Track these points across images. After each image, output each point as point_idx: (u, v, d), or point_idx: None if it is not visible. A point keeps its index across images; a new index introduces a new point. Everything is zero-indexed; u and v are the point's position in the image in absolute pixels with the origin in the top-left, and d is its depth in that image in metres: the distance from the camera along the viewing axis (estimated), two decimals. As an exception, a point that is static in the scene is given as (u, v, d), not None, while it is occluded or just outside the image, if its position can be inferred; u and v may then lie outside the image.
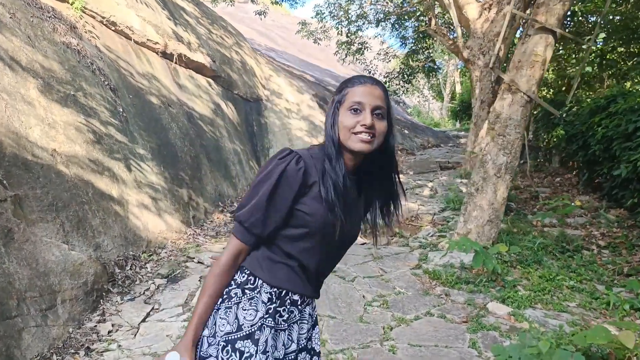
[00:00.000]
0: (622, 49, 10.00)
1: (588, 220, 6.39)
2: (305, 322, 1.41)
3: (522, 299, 3.79)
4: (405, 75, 16.60)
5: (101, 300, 3.46)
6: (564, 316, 3.62)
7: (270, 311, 1.30)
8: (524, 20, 5.15)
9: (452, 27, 15.67)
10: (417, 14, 15.71)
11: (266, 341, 1.28)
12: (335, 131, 1.32)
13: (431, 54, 16.94)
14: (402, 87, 17.04)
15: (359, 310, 3.63)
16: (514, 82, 4.57)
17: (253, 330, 1.28)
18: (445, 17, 15.91)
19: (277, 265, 1.33)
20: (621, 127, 5.67)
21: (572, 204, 5.89)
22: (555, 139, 7.76)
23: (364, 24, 16.58)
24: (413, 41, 16.44)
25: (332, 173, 1.29)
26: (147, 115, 6.01)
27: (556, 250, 5.25)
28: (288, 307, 1.35)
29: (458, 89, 27.53)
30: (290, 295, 1.34)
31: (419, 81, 22.06)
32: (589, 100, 8.44)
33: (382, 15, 16.47)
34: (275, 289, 1.32)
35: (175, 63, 7.75)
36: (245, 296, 1.31)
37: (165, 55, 7.61)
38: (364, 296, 3.93)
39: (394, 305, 3.74)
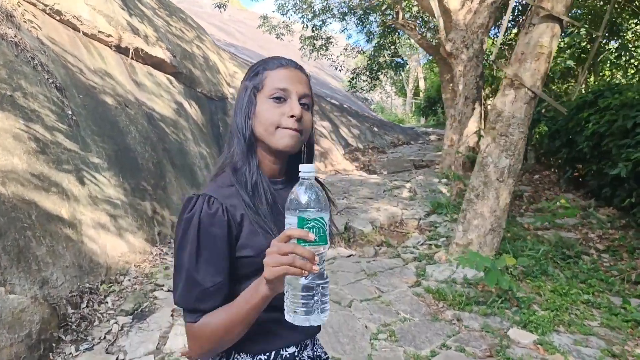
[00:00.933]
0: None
1: (579, 220, 6.13)
2: None
3: (543, 322, 3.38)
4: (372, 71, 16.22)
5: (50, 355, 2.77)
6: (593, 341, 3.23)
7: None
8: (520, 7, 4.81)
9: (424, 19, 15.43)
10: (383, 8, 15.33)
11: None
12: (248, 125, 1.07)
13: (397, 50, 16.63)
14: (369, 83, 16.67)
15: (364, 346, 3.10)
16: (518, 77, 4.15)
17: None
18: (413, 10, 15.64)
19: (255, 326, 1.02)
20: (617, 124, 5.40)
21: (559, 203, 5.57)
22: (537, 136, 7.53)
23: (329, 17, 16.07)
24: (379, 36, 16.07)
25: (249, 177, 1.05)
26: (101, 117, 5.25)
27: (557, 257, 4.91)
28: None
29: (422, 85, 27.53)
30: (280, 354, 1.09)
31: (381, 77, 21.77)
32: (571, 94, 8.28)
33: (346, 9, 16.01)
34: (260, 356, 1.07)
35: (132, 58, 6.96)
36: None
37: (120, 50, 6.82)
38: (366, 326, 3.41)
39: (402, 337, 3.24)
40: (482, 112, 6.96)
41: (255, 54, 21.85)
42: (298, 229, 0.85)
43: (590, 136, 6.23)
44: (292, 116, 1.04)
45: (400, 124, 20.83)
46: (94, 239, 3.92)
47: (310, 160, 1.17)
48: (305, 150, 1.16)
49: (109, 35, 6.50)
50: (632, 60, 8.35)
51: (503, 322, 3.45)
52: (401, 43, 19.57)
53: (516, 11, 8.30)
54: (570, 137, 7.07)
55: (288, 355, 1.10)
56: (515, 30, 10.76)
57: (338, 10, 16.01)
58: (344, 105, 16.87)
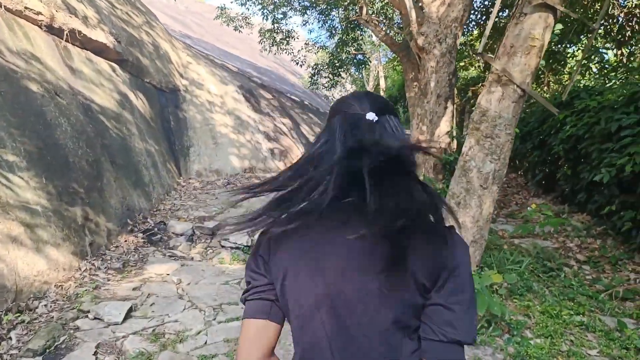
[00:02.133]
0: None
1: (555, 227, 5.82)
2: None
3: (541, 354, 2.92)
4: (334, 68, 15.70)
5: None
6: (598, 375, 2.80)
7: None
8: None
9: (387, 16, 15.06)
10: (346, 2, 14.84)
11: None
12: None
13: (361, 46, 16.20)
14: (330, 79, 16.14)
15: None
16: (507, 72, 3.70)
17: None
18: (376, 6, 15.25)
19: None
20: (599, 127, 5.09)
21: (529, 209, 5.21)
22: (507, 138, 7.24)
23: (289, 10, 15.42)
24: (341, 32, 15.57)
25: None
26: (23, 107, 4.43)
27: (538, 270, 4.54)
28: None
29: (382, 84, 27.32)
30: None
31: (343, 75, 21.32)
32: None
33: (308, 3, 15.42)
34: None
35: (67, 41, 6.10)
36: None
37: (52, 31, 5.94)
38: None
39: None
40: (454, 111, 6.56)
41: (213, 46, 20.88)
42: None
43: (566, 139, 5.93)
44: None
45: (362, 123, 20.39)
46: (1, 256, 3.16)
47: None
48: None
49: (39, 13, 5.62)
50: (603, 63, 8.25)
51: (496, 354, 2.98)
52: (364, 40, 19.18)
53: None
54: (543, 139, 6.79)
55: None
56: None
57: (299, 3, 15.41)
58: (305, 102, 16.29)
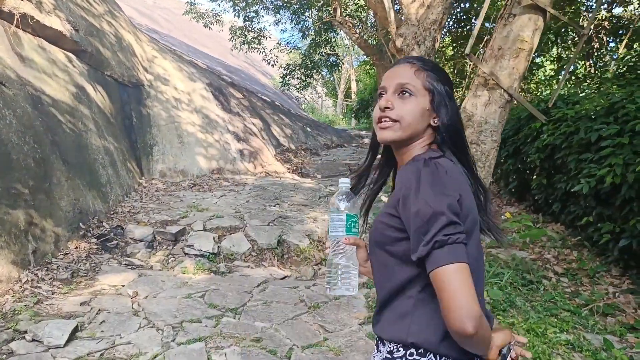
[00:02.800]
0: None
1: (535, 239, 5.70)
2: None
3: (532, 378, 2.70)
4: (307, 69, 15.43)
5: None
6: (592, 403, 2.60)
7: None
8: None
9: (361, 18, 14.88)
10: (320, 3, 14.60)
11: None
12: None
13: (334, 48, 16.00)
14: (302, 80, 15.86)
15: None
16: (494, 76, 3.50)
17: None
18: (350, 8, 15.07)
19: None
20: (577, 136, 4.98)
21: (504, 217, 5.06)
22: (482, 145, 7.14)
23: (262, 8, 15.05)
24: (314, 33, 15.31)
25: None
26: (-40, 96, 3.94)
27: (518, 283, 4.36)
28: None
29: (354, 87, 27.24)
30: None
31: (315, 76, 21.08)
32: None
33: (281, 2, 15.09)
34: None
35: (17, 27, 5.58)
36: None
37: (1, 15, 5.42)
38: (312, 392, 2.55)
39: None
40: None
41: (181, 43, 20.24)
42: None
43: (542, 148, 5.83)
44: (380, 108, 1.09)
45: (331, 126, 20.26)
46: None
47: (454, 142, 1.13)
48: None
49: (-15, -6, 5.11)
50: (574, 73, 8.28)
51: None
52: (337, 42, 18.98)
53: None
54: (518, 147, 6.69)
55: None
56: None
57: (272, 2, 15.06)
58: (276, 103, 15.94)
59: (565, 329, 3.51)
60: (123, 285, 3.88)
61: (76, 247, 4.41)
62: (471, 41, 3.56)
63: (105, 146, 6.46)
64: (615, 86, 5.75)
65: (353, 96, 26.96)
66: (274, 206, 6.98)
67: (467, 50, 3.56)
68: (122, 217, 5.65)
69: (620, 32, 7.17)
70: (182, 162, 8.60)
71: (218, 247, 5.12)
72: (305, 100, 29.94)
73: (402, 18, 6.25)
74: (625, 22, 6.94)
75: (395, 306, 1.05)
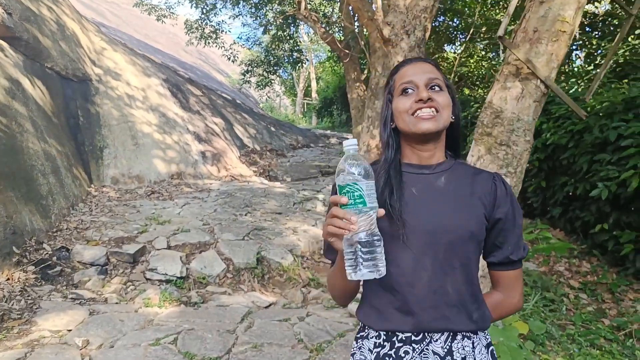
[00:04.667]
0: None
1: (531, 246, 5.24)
2: None
3: None
4: (269, 65, 14.62)
5: None
6: None
7: (376, 358, 1.12)
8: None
9: (325, 14, 14.22)
10: (282, -4, 13.83)
11: None
12: (387, 126, 1.21)
13: (298, 44, 15.26)
14: (265, 77, 15.04)
15: None
16: (531, 63, 2.92)
17: None
18: (315, 2, 14.41)
19: (375, 301, 1.15)
20: (591, 135, 4.53)
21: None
22: (470, 145, 6.65)
23: (219, 1, 14.11)
24: (276, 27, 14.51)
25: (381, 168, 1.18)
26: None
27: (539, 303, 3.84)
28: (400, 349, 1.10)
29: (314, 85, 26.60)
30: (397, 335, 1.11)
31: (276, 73, 20.23)
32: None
33: (240, -6, 14.21)
34: (379, 331, 1.14)
35: None
36: (357, 345, 1.20)
37: None
38: None
39: None
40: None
41: (131, 37, 18.90)
42: (333, 196, 1.03)
43: (542, 148, 5.38)
44: (420, 100, 1.12)
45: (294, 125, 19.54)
46: None
47: (456, 140, 1.25)
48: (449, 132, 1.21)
49: None
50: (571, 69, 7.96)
51: None
52: (300, 39, 18.27)
53: None
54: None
55: (404, 338, 1.11)
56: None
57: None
58: (237, 101, 15.04)
59: (613, 363, 2.99)
60: (69, 330, 3.03)
61: (8, 279, 3.49)
62: (505, 20, 2.96)
63: (46, 150, 5.48)
64: (612, 84, 5.38)
65: (313, 94, 26.32)
66: (246, 215, 6.21)
67: (501, 32, 2.97)
68: (67, 235, 4.72)
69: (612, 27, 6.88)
70: (137, 166, 7.64)
71: (187, 269, 4.31)
72: (263, 100, 29.05)
73: (389, 6, 5.66)
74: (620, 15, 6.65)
75: (479, 296, 1.14)
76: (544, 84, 3.01)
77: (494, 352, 1.16)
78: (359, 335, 1.20)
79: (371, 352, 1.13)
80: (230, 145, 10.15)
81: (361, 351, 1.16)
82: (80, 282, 3.88)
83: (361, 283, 1.15)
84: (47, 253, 4.12)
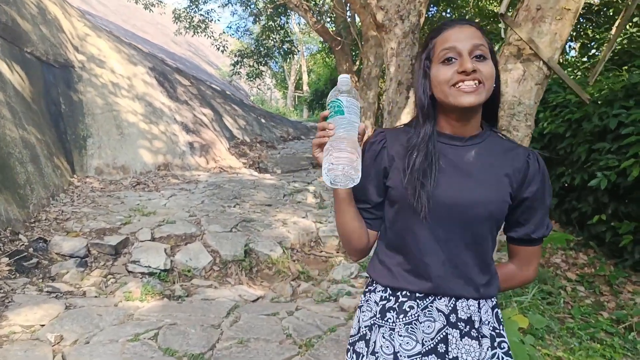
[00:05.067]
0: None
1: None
2: (432, 320, 1.11)
3: None
4: (260, 56, 14.37)
5: None
6: None
7: (380, 310, 1.16)
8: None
9: (317, 2, 13.98)
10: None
11: (375, 342, 1.14)
12: (426, 95, 1.13)
13: (289, 34, 15.01)
14: (255, 69, 14.78)
15: None
16: (534, 43, 2.77)
17: (365, 331, 1.18)
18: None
19: (386, 259, 1.18)
20: (588, 123, 4.41)
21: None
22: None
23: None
24: (267, 17, 14.24)
25: (414, 138, 1.14)
26: None
27: (536, 295, 3.72)
28: (404, 303, 1.13)
29: (305, 78, 26.35)
30: (402, 291, 1.15)
31: (267, 64, 19.93)
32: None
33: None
34: (386, 287, 1.17)
35: None
36: (364, 298, 1.23)
37: None
38: None
39: None
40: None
41: (118, 27, 18.52)
42: (322, 113, 1.07)
43: (539, 137, 5.26)
44: (463, 71, 1.05)
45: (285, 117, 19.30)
46: None
47: (494, 112, 1.20)
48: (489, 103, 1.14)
49: None
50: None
51: None
52: (291, 29, 18.01)
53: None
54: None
55: (408, 294, 1.13)
56: None
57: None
58: (227, 92, 14.79)
59: (616, 359, 2.87)
60: (43, 325, 2.83)
61: (-22, 272, 3.29)
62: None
63: (25, 137, 5.24)
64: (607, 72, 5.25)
65: (304, 87, 26.08)
66: (234, 207, 6.02)
67: (502, 9, 2.80)
68: (46, 226, 4.50)
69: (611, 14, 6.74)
70: (122, 156, 7.41)
71: (171, 261, 4.12)
72: (253, 93, 28.73)
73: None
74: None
75: (490, 270, 1.15)
76: (547, 65, 2.87)
77: (499, 314, 1.17)
78: (367, 290, 1.23)
79: (377, 304, 1.17)
80: (219, 137, 9.92)
81: (368, 303, 1.20)
82: (57, 274, 3.68)
83: (375, 246, 1.23)
84: (22, 244, 3.91)
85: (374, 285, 1.20)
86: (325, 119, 1.05)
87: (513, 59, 2.95)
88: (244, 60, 14.50)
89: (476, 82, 1.05)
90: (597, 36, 6.25)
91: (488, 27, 7.93)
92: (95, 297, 3.39)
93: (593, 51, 6.48)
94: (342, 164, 1.00)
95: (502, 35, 3.10)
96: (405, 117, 5.53)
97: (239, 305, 3.49)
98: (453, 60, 1.07)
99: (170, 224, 4.90)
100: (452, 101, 1.07)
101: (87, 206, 5.41)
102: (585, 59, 6.44)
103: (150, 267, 3.96)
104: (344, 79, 1.06)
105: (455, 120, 1.13)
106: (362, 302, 1.23)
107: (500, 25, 7.24)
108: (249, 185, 7.44)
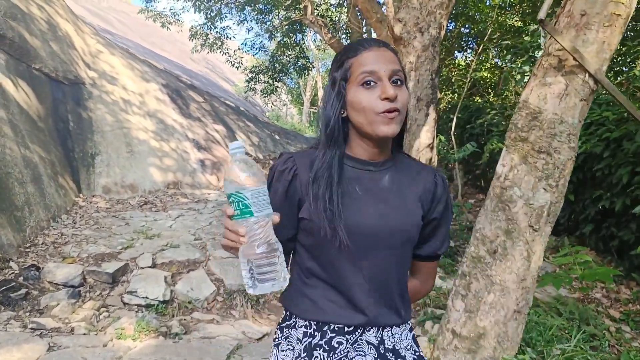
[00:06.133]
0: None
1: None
2: (363, 354, 1.06)
3: None
4: (275, 72, 14.19)
5: None
6: None
7: (306, 348, 1.07)
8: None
9: (332, 18, 13.83)
10: (287, 2, 13.44)
11: None
12: (336, 117, 1.06)
13: (304, 50, 14.84)
14: (270, 85, 14.61)
15: None
16: (578, 54, 2.41)
17: None
18: (322, 7, 14.04)
19: (308, 291, 1.09)
20: (630, 143, 4.00)
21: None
22: (487, 154, 6.15)
23: (225, 5, 13.74)
24: (282, 34, 14.10)
25: (316, 165, 1.06)
26: None
27: (579, 340, 3.28)
28: (332, 339, 1.06)
29: (321, 94, 26.21)
30: (329, 325, 1.07)
31: (284, 79, 19.80)
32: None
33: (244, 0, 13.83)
34: (310, 322, 1.08)
35: None
36: (282, 334, 1.13)
37: None
38: None
39: None
40: (437, 119, 5.30)
41: (137, 44, 18.67)
42: (224, 206, 0.90)
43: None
44: (386, 98, 1.01)
45: (300, 134, 19.06)
46: None
47: (402, 131, 1.13)
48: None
49: None
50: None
51: None
52: (306, 46, 17.89)
53: None
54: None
55: (336, 328, 1.07)
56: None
57: (234, 2, 13.77)
58: (241, 108, 14.64)
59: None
60: (20, 370, 2.52)
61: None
62: (548, 1, 2.46)
63: (27, 157, 5.03)
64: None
65: (319, 103, 25.91)
66: (244, 229, 5.70)
67: (542, 15, 2.45)
68: (42, 251, 4.24)
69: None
70: (131, 174, 7.19)
71: (171, 291, 3.80)
72: (269, 109, 28.71)
73: (401, 1, 5.18)
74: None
75: (406, 294, 1.16)
76: (593, 78, 2.50)
77: (415, 336, 1.19)
78: (284, 325, 1.13)
79: (300, 341, 1.08)
80: (231, 154, 9.67)
81: (288, 341, 1.11)
82: (47, 307, 3.39)
83: (288, 268, 1.03)
84: (12, 272, 3.64)
85: (294, 319, 1.11)
86: (231, 216, 0.89)
87: (553, 72, 2.58)
88: (259, 76, 14.34)
89: (396, 110, 1.01)
90: (631, 50, 5.84)
91: (510, 42, 7.59)
92: (84, 334, 3.08)
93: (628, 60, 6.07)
94: (269, 281, 0.90)
95: (541, 44, 2.74)
96: (425, 134, 5.18)
97: (242, 345, 3.14)
98: (372, 84, 1.02)
99: (174, 248, 4.61)
100: (374, 130, 1.03)
101: (90, 228, 5.16)
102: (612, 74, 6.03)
103: (147, 298, 3.64)
104: (237, 149, 0.90)
105: (372, 146, 1.09)
106: (280, 339, 1.13)
107: (526, 38, 6.91)
108: (261, 205, 7.13)
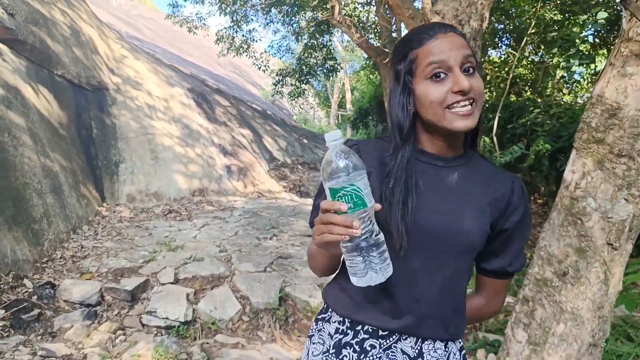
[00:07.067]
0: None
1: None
2: None
3: None
4: (302, 74, 13.92)
5: None
6: None
7: (335, 345, 1.02)
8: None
9: (360, 19, 13.47)
10: (314, 3, 13.14)
11: None
12: (407, 114, 0.96)
13: (332, 52, 14.51)
14: (297, 87, 14.34)
15: None
16: (669, 37, 1.98)
17: None
18: (349, 7, 13.68)
19: (349, 286, 0.99)
20: None
21: None
22: (532, 155, 5.66)
23: (251, 7, 13.56)
24: (309, 35, 13.82)
25: (391, 162, 0.98)
26: None
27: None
28: (365, 341, 1.00)
29: (348, 96, 25.84)
30: (363, 326, 1.02)
31: (311, 82, 19.49)
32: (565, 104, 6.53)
33: (270, 1, 13.62)
34: (344, 318, 1.03)
35: None
36: (316, 326, 1.10)
37: None
38: None
39: None
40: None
41: (165, 50, 18.75)
42: (329, 202, 0.83)
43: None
44: (459, 90, 0.91)
45: (328, 137, 18.70)
46: None
47: (477, 129, 1.00)
48: None
49: None
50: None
51: None
52: (334, 47, 17.56)
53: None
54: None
55: (370, 330, 1.01)
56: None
57: (260, 4, 13.58)
58: (268, 112, 14.42)
59: None
60: (22, 408, 2.26)
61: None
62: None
63: (46, 165, 4.85)
64: None
65: (348, 105, 25.55)
66: (271, 239, 5.40)
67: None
68: (59, 266, 4.02)
69: None
70: (155, 182, 6.99)
71: (193, 311, 3.51)
72: (296, 112, 28.51)
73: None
74: None
75: (462, 309, 1.06)
76: (688, 66, 2.06)
77: (466, 356, 1.08)
78: (320, 317, 1.10)
79: (331, 337, 1.04)
80: (258, 159, 9.42)
81: (320, 334, 1.08)
82: (60, 329, 3.14)
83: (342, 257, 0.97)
84: (26, 291, 3.41)
85: (329, 313, 1.08)
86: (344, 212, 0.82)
87: (635, 60, 2.15)
88: (286, 79, 14.09)
89: (471, 101, 0.92)
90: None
91: (555, 36, 7.07)
92: (97, 362, 2.81)
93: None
94: (387, 273, 0.87)
95: (623, 26, 2.32)
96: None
97: (269, 375, 2.81)
98: (442, 75, 0.93)
99: (198, 261, 4.33)
100: (447, 125, 0.94)
101: (112, 239, 4.94)
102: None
103: (168, 319, 3.36)
104: (336, 140, 0.83)
105: (442, 140, 1.00)
106: (313, 330, 1.11)
107: (574, 29, 6.39)
108: (289, 212, 6.82)
